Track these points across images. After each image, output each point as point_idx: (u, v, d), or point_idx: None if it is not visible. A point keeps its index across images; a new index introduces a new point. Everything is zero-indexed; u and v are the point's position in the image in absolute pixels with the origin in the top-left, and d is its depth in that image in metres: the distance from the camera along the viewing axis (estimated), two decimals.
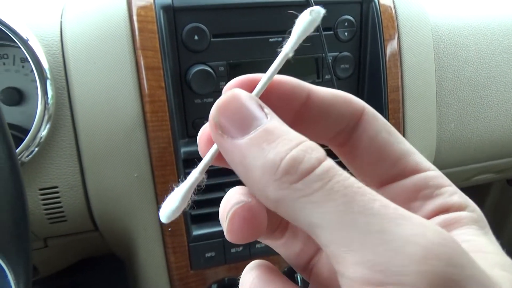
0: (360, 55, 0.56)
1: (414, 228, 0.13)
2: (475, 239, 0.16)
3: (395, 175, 0.18)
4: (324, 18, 0.60)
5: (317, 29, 0.52)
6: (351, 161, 0.19)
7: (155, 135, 0.47)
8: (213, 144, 0.17)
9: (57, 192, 0.48)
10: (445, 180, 0.17)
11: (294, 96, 0.18)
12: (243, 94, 0.16)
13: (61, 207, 0.48)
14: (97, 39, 0.47)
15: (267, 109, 0.16)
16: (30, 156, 0.46)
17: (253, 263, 0.19)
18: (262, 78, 0.17)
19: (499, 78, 0.65)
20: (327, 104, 0.18)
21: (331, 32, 0.54)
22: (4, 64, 0.55)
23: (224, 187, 0.51)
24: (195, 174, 0.17)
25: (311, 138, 0.16)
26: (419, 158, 0.18)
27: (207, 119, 0.49)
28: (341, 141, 0.18)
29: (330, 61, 0.54)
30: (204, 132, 0.18)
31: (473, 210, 0.17)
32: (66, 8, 0.49)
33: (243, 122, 0.15)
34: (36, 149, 0.47)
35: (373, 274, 0.13)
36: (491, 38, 0.64)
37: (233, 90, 0.16)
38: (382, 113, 0.55)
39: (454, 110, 0.63)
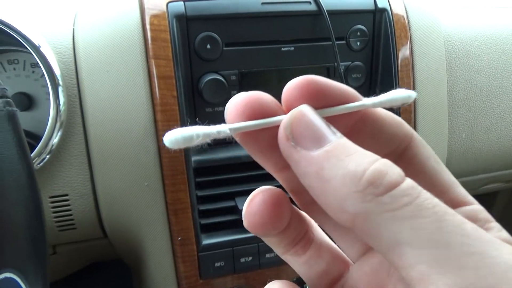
0: (372, 65, 0.56)
1: (511, 254, 0.13)
2: None
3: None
4: (337, 28, 0.59)
5: (329, 38, 0.51)
6: None
7: None
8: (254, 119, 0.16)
9: (67, 200, 0.48)
10: (489, 215, 0.17)
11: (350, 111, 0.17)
12: (312, 111, 0.16)
13: (71, 214, 0.48)
14: (109, 47, 0.46)
15: (334, 129, 0.16)
16: (41, 164, 0.46)
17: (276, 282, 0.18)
18: (329, 109, 0.17)
19: (511, 88, 0.64)
20: (381, 124, 0.17)
21: (344, 42, 0.53)
22: (14, 69, 0.55)
23: (234, 196, 0.51)
24: (226, 126, 0.17)
25: None
26: (465, 191, 0.18)
27: None
28: None
29: (342, 70, 0.53)
30: (234, 103, 0.17)
31: None
32: (79, 15, 0.49)
33: (317, 136, 0.15)
34: (48, 156, 0.47)
35: None
36: (503, 48, 0.64)
37: (302, 106, 0.16)
38: None
39: (465, 120, 0.62)
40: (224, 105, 0.57)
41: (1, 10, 0.47)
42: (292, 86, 0.17)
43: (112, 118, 0.46)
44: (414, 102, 0.56)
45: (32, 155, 0.46)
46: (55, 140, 0.47)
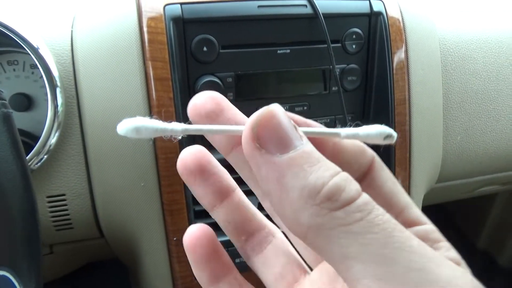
0: (367, 68, 0.56)
1: (453, 271, 0.13)
2: None
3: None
4: (332, 31, 0.59)
5: (325, 41, 0.52)
6: None
7: (163, 145, 0.47)
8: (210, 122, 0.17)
9: (64, 200, 0.48)
10: (441, 235, 0.18)
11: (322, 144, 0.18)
12: (282, 112, 0.15)
13: (68, 214, 0.49)
14: (107, 49, 0.47)
15: (301, 132, 0.15)
16: (39, 164, 0.47)
17: None
18: (304, 128, 0.17)
19: (506, 91, 0.65)
20: (341, 147, 0.18)
21: (339, 45, 0.54)
22: (14, 70, 0.56)
23: None
24: (180, 126, 0.17)
25: None
26: (419, 211, 0.18)
27: None
28: None
29: (337, 73, 0.54)
30: (196, 105, 0.18)
31: (466, 267, 0.17)
32: (77, 18, 0.49)
33: (283, 140, 0.15)
34: (45, 156, 0.47)
35: None
36: (499, 51, 0.64)
37: (273, 106, 0.15)
38: (389, 126, 0.55)
39: (460, 123, 0.63)
40: None
41: (0, 11, 0.48)
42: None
43: (109, 119, 0.47)
44: (409, 105, 0.56)
45: (30, 155, 0.46)
46: (52, 140, 0.47)
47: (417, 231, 0.17)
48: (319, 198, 0.14)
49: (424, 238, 0.17)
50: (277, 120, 0.15)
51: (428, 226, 0.18)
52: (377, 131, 0.17)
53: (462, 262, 0.17)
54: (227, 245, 0.51)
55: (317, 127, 0.17)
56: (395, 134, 0.18)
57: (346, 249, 0.13)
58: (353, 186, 0.14)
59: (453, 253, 0.17)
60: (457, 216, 1.24)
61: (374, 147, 0.19)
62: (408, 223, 0.18)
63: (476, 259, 1.19)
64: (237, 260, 0.51)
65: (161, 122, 0.17)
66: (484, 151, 0.65)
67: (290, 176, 0.14)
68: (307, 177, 0.14)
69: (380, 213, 0.14)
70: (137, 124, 0.16)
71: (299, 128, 0.16)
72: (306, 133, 0.16)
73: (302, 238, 0.15)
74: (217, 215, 0.21)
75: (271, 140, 0.15)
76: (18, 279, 0.21)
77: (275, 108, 0.15)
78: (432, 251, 0.14)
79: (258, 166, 0.15)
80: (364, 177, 0.18)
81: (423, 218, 0.18)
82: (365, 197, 0.14)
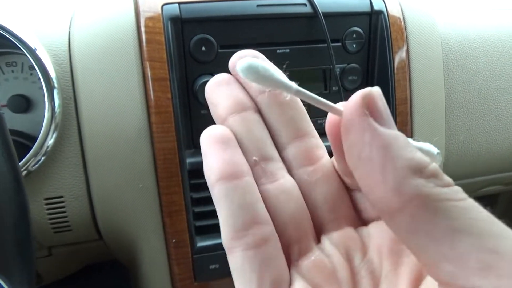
0: (368, 67, 0.55)
1: None
2: None
3: None
4: (333, 30, 0.59)
5: (325, 41, 0.51)
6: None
7: (161, 146, 0.47)
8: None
9: (62, 202, 0.48)
10: None
11: None
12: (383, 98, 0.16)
13: (66, 216, 0.48)
14: (105, 50, 0.47)
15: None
16: (36, 165, 0.47)
17: None
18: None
19: (509, 90, 0.64)
20: None
21: (340, 44, 0.53)
22: (12, 71, 0.56)
23: None
24: (295, 86, 0.18)
25: None
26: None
27: None
28: None
29: (338, 72, 0.53)
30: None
31: None
32: (75, 18, 0.49)
33: (389, 118, 0.16)
34: (43, 158, 0.47)
35: None
36: (502, 50, 0.64)
37: (378, 89, 0.16)
38: None
39: (463, 123, 0.62)
40: None
41: None
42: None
43: (107, 120, 0.47)
44: (411, 104, 0.55)
45: (27, 156, 0.46)
46: (50, 141, 0.47)
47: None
48: (427, 172, 0.14)
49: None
50: (383, 101, 0.16)
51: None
52: (429, 148, 0.18)
53: None
54: (216, 248, 0.51)
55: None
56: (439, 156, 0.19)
57: (456, 221, 0.14)
58: (446, 176, 0.15)
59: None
60: None
61: None
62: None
63: None
64: None
65: (281, 72, 0.18)
66: (487, 151, 0.64)
67: (397, 147, 0.15)
68: (414, 153, 0.15)
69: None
70: (257, 65, 0.17)
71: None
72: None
73: (397, 210, 0.14)
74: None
75: (379, 113, 0.16)
76: (9, 283, 0.20)
77: (380, 91, 0.16)
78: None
79: (362, 132, 0.15)
80: None
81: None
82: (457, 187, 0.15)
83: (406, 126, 0.55)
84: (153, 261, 0.50)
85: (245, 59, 0.18)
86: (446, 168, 0.62)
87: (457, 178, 0.68)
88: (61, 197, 0.48)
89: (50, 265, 0.58)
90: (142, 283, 0.53)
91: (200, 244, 0.50)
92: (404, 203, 0.14)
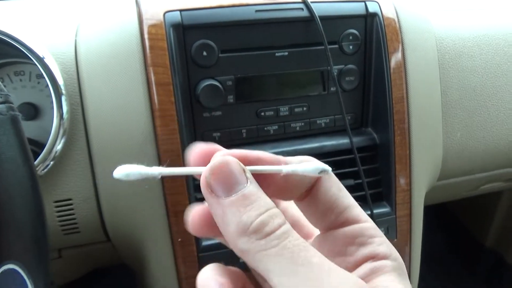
0: (365, 68, 0.57)
1: (340, 278, 0.19)
2: (393, 285, 0.20)
3: (340, 223, 0.22)
4: (329, 32, 0.60)
5: (322, 43, 0.53)
6: (308, 210, 0.23)
7: (166, 148, 0.48)
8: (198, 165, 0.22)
9: (71, 204, 0.50)
10: (378, 231, 0.22)
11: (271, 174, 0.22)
12: (232, 161, 0.20)
13: (74, 218, 0.50)
14: (110, 57, 0.48)
15: (249, 174, 0.20)
16: (45, 170, 0.48)
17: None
18: (255, 167, 0.21)
19: (505, 87, 0.65)
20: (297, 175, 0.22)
21: (336, 46, 0.55)
22: (21, 80, 0.58)
23: None
24: (157, 170, 0.22)
25: (282, 197, 0.23)
26: (360, 212, 0.22)
27: (215, 132, 0.52)
28: (302, 197, 0.23)
29: (335, 74, 0.55)
30: (195, 153, 0.22)
31: (395, 259, 0.21)
32: (81, 27, 0.51)
33: (228, 186, 0.20)
34: (52, 162, 0.48)
35: None
36: (496, 48, 0.65)
37: (225, 157, 0.20)
38: (388, 124, 0.56)
39: (460, 120, 0.63)
40: (220, 109, 0.59)
41: (7, 23, 0.49)
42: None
43: (113, 125, 0.48)
44: (408, 103, 0.57)
45: (36, 161, 0.48)
46: (58, 147, 0.49)
47: (354, 229, 0.22)
48: (248, 232, 0.19)
49: (359, 234, 0.21)
50: (224, 169, 0.20)
51: (366, 224, 0.22)
52: (314, 167, 0.21)
53: (394, 254, 0.21)
54: (221, 247, 0.52)
55: (263, 166, 0.21)
56: (329, 169, 0.22)
57: (266, 266, 0.19)
58: (276, 221, 0.19)
59: (383, 247, 0.21)
60: (464, 216, 1.23)
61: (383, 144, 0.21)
62: (348, 222, 0.22)
63: (484, 258, 1.19)
64: (242, 260, 0.52)
65: (143, 167, 0.22)
66: (484, 147, 0.65)
67: (230, 214, 0.19)
68: (241, 216, 0.19)
69: (293, 239, 0.19)
70: (127, 171, 0.22)
71: (247, 169, 0.20)
72: (252, 170, 0.21)
73: (241, 257, 0.20)
74: None
75: (218, 186, 0.20)
76: (28, 273, 0.22)
77: (227, 159, 0.20)
78: (330, 264, 0.19)
79: (210, 206, 0.20)
80: (312, 188, 0.22)
81: (364, 216, 0.22)
82: (284, 228, 0.19)
83: (403, 124, 0.56)
84: (160, 261, 0.51)
85: (119, 169, 0.22)
86: (445, 165, 0.63)
87: (456, 175, 0.69)
88: (70, 199, 0.49)
89: (60, 268, 0.60)
90: (150, 284, 0.54)
91: (205, 243, 0.51)
92: (240, 254, 0.20)
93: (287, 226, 0.20)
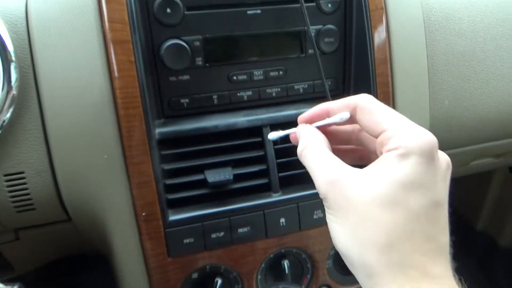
0: (345, 28, 0.53)
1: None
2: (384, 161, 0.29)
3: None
4: None
5: (298, 0, 0.49)
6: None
7: (126, 113, 0.44)
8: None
9: (23, 178, 0.45)
10: (394, 131, 0.28)
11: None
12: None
13: (28, 194, 0.45)
14: (62, 13, 0.44)
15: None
16: None
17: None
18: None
19: (494, 52, 0.62)
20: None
21: (314, 4, 0.51)
22: None
23: (203, 169, 0.48)
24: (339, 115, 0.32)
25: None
26: (384, 121, 0.30)
27: (183, 98, 0.47)
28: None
29: (313, 34, 0.51)
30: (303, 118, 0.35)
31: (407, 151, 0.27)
32: None
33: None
34: None
35: None
36: (485, 11, 0.61)
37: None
38: (370, 88, 0.52)
39: (447, 86, 0.59)
40: (188, 73, 0.55)
41: None
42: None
43: (68, 88, 0.44)
44: (391, 65, 0.53)
45: None
46: (6, 115, 0.44)
47: (380, 139, 0.29)
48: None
49: (383, 142, 0.28)
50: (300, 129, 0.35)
51: (386, 133, 0.28)
52: (337, 117, 0.33)
53: (404, 146, 0.27)
54: (207, 218, 0.48)
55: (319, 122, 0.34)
56: (347, 115, 0.33)
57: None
58: (301, 144, 0.33)
59: (393, 141, 0.28)
60: (455, 198, 1.21)
61: None
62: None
63: (476, 240, 1.16)
64: (213, 235, 0.48)
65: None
66: (474, 116, 0.62)
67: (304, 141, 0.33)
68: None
69: (310, 149, 0.32)
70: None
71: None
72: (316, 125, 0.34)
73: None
74: None
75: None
76: None
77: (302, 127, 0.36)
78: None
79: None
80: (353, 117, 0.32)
81: (386, 125, 0.29)
82: (303, 144, 0.33)
83: (386, 88, 0.52)
84: (123, 237, 0.47)
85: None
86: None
87: (445, 148, 0.65)
88: (22, 172, 0.45)
89: (20, 252, 0.55)
90: (116, 264, 0.50)
91: (173, 217, 0.47)
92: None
93: (307, 146, 0.32)
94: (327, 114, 0.33)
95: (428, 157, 0.27)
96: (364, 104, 0.30)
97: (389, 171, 0.26)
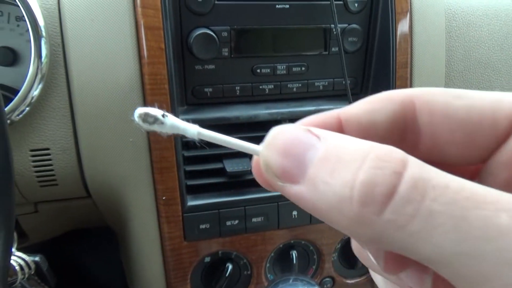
0: (369, 28, 0.54)
1: None
2: None
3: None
4: None
5: None
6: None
7: (153, 99, 0.45)
8: None
9: (48, 154, 0.46)
10: None
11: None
12: (288, 126, 0.14)
13: (52, 170, 0.47)
14: None
15: (316, 130, 0.14)
16: (20, 116, 0.44)
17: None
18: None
19: (511, 61, 0.63)
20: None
21: (341, 2, 0.51)
22: None
23: (221, 158, 0.49)
24: (196, 128, 0.16)
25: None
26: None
27: (207, 87, 0.47)
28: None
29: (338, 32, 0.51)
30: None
31: None
32: None
33: (297, 158, 0.13)
34: (28, 108, 0.45)
35: None
36: (505, 20, 0.62)
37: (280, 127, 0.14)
38: (389, 90, 0.53)
39: None
40: (214, 63, 0.55)
41: None
42: None
43: (97, 70, 0.44)
44: (411, 69, 0.54)
45: (9, 107, 0.44)
46: (35, 92, 0.45)
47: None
48: (355, 208, 0.11)
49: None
50: (283, 137, 0.14)
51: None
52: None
53: None
54: (224, 206, 0.49)
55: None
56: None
57: (422, 253, 0.11)
58: (388, 167, 0.11)
59: None
60: None
61: None
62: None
63: None
64: (228, 223, 0.50)
65: (178, 119, 0.17)
66: None
67: (320, 200, 0.12)
68: (334, 191, 0.12)
69: (438, 190, 0.10)
70: (159, 116, 0.16)
71: (311, 127, 0.14)
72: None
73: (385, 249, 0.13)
74: None
75: (284, 166, 0.14)
76: None
77: (278, 130, 0.15)
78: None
79: (293, 199, 0.14)
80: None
81: None
82: (409, 175, 0.11)
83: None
84: (142, 219, 0.48)
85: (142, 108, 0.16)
86: None
87: None
88: (47, 149, 0.46)
89: (36, 223, 0.56)
90: (131, 243, 0.52)
91: (191, 203, 0.48)
92: (377, 243, 0.13)
93: (413, 166, 0.11)
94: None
95: None
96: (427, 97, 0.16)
97: None
